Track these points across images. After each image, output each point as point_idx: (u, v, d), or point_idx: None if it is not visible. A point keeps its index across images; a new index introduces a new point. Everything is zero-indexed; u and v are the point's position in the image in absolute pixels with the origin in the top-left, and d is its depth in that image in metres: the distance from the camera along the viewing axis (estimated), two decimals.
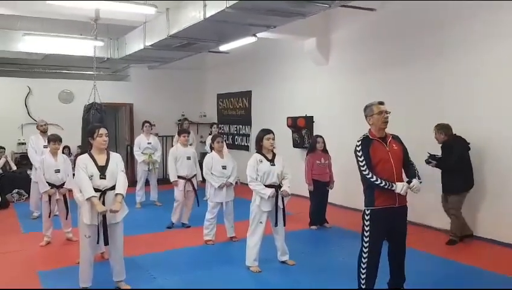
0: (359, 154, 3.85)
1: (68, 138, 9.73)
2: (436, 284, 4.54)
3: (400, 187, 3.72)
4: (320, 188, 6.89)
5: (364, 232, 3.83)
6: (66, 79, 11.40)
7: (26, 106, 10.81)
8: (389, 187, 3.71)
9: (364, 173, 3.78)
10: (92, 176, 4.10)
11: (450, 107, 6.47)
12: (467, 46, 6.26)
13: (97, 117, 7.54)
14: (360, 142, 3.91)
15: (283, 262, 5.14)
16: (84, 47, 9.37)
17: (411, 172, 3.98)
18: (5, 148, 9.64)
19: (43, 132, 7.62)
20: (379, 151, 3.87)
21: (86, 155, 4.25)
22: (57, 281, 4.73)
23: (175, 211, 6.88)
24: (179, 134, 7.20)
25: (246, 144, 11.53)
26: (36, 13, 7.54)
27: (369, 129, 4.03)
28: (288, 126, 9.44)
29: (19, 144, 10.53)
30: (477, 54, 6.14)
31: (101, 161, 4.20)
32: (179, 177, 6.80)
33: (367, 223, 3.82)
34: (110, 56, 10.15)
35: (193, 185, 6.87)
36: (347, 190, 7.89)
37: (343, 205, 8.27)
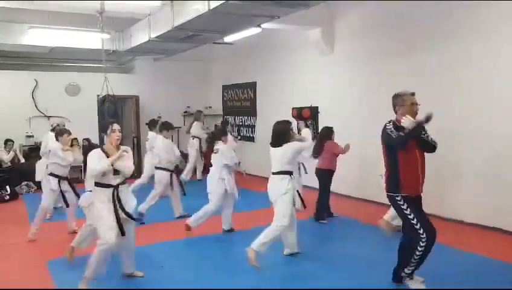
0: (391, 130, 3.94)
1: (75, 131, 9.79)
2: None
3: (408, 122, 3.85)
4: (330, 178, 6.91)
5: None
6: (73, 72, 11.47)
7: (33, 99, 10.90)
8: (413, 125, 3.81)
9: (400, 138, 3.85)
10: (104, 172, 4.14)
11: (461, 97, 6.43)
12: (476, 34, 6.20)
13: (111, 109, 7.64)
14: (391, 124, 3.98)
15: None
16: (89, 39, 9.42)
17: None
18: (13, 141, 9.76)
19: None
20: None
21: (98, 150, 4.25)
22: (66, 271, 4.83)
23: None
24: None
25: (251, 135, 11.56)
26: (41, 6, 7.58)
27: (396, 118, 4.04)
28: (293, 117, 9.42)
29: (27, 136, 10.63)
30: (488, 42, 6.06)
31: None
32: (163, 169, 6.88)
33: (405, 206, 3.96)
34: (116, 48, 10.19)
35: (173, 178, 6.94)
36: (352, 180, 7.93)
37: (347, 194, 8.31)
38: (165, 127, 7.18)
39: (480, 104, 6.17)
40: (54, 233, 6.25)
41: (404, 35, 7.22)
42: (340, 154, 6.77)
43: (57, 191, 6.01)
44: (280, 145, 4.89)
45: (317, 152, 6.81)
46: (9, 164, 9.58)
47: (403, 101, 4.02)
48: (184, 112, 12.55)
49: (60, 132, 6.17)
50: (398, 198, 3.95)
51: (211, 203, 5.90)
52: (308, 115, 9.17)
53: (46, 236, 6.14)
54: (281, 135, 4.93)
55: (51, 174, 6.02)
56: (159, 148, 7.05)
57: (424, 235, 3.87)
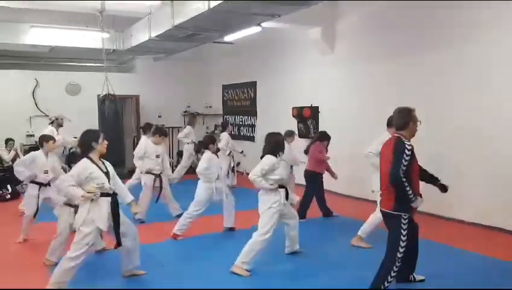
0: (407, 153, 3.68)
1: (76, 130, 9.79)
2: None
3: (419, 202, 3.76)
4: (315, 180, 6.88)
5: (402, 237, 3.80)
6: (73, 71, 11.48)
7: (34, 98, 10.90)
8: (412, 198, 3.70)
9: (402, 173, 3.65)
10: (103, 183, 4.07)
11: (461, 99, 6.43)
12: (477, 35, 6.21)
13: (112, 108, 7.65)
14: (411, 147, 3.73)
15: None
16: (90, 39, 9.43)
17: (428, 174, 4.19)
18: (14, 141, 9.76)
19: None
20: (416, 160, 3.87)
21: (88, 162, 4.09)
22: None
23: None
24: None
25: (251, 135, 11.57)
26: (42, 5, 7.58)
27: (402, 134, 3.84)
28: (293, 116, 9.46)
29: (28, 136, 10.64)
30: (488, 42, 6.07)
31: (102, 167, 4.19)
32: (148, 173, 6.85)
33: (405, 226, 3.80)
34: (116, 48, 10.19)
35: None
36: (353, 179, 7.92)
37: (348, 194, 8.31)
38: (158, 132, 7.01)
39: (480, 104, 6.17)
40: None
41: (405, 35, 7.22)
42: (319, 160, 6.74)
43: (36, 198, 5.69)
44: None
45: (306, 151, 6.91)
46: (10, 163, 9.56)
47: (414, 118, 3.87)
48: (184, 112, 12.56)
49: (45, 137, 5.85)
50: (405, 217, 3.77)
51: (191, 206, 5.88)
52: (309, 114, 9.19)
53: (46, 236, 6.13)
54: (269, 148, 4.83)
55: (33, 181, 5.73)
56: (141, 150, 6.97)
57: (401, 259, 3.77)
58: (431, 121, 6.31)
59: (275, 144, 4.83)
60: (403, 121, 3.87)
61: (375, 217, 5.22)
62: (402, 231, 3.77)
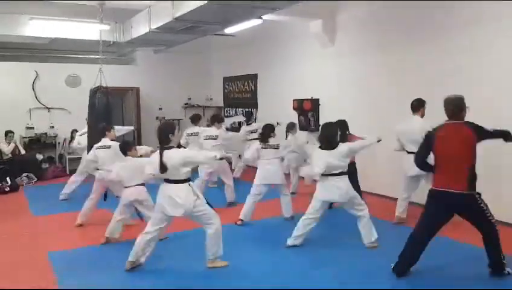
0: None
1: (75, 122, 9.82)
2: None
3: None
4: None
5: None
6: (73, 63, 11.42)
7: (33, 90, 10.86)
8: None
9: None
10: None
11: (461, 89, 6.34)
12: (480, 28, 6.14)
13: (103, 100, 7.58)
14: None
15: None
16: (90, 31, 9.35)
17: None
18: (13, 133, 9.76)
19: None
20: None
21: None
22: (68, 262, 4.83)
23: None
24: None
25: None
26: None
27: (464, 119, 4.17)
28: (294, 109, 9.44)
29: (28, 128, 10.62)
30: (490, 34, 6.02)
31: None
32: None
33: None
34: (116, 40, 10.12)
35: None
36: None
37: None
38: (217, 119, 7.53)
39: (481, 95, 6.12)
40: (56, 224, 6.28)
41: (405, 28, 7.16)
42: None
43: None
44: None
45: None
46: (9, 155, 9.58)
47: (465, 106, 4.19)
48: (185, 104, 12.53)
49: (108, 127, 6.42)
50: (478, 195, 3.97)
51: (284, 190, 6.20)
52: (309, 107, 9.17)
53: (47, 227, 6.16)
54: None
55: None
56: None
57: (495, 224, 4.02)
58: (431, 117, 6.30)
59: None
60: (461, 108, 4.20)
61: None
62: (483, 206, 3.96)
